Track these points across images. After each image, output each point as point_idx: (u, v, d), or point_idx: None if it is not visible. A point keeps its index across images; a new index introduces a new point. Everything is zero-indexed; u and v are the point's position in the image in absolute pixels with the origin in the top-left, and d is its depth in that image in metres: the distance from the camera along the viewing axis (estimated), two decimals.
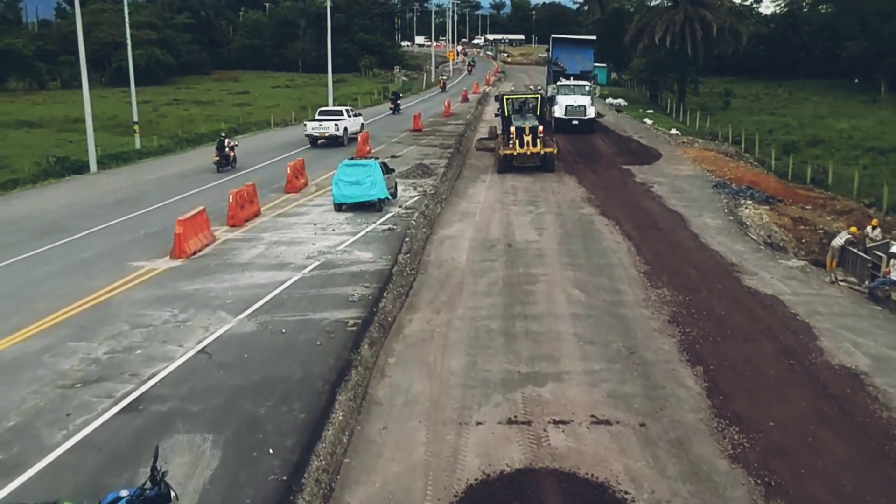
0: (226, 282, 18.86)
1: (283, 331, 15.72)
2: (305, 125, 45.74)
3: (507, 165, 35.61)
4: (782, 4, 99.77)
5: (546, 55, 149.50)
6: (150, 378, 13.49)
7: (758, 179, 35.41)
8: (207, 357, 14.47)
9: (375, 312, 16.93)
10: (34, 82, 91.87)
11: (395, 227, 24.39)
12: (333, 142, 43.98)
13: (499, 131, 40.38)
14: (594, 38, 59.06)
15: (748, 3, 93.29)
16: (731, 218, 27.43)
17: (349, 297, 17.79)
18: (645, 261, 21.72)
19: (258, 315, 16.61)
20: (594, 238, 24.24)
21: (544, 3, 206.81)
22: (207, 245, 21.91)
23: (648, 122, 57.70)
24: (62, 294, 17.84)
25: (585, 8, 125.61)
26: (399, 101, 66.70)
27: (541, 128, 35.92)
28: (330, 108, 51.79)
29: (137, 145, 44.38)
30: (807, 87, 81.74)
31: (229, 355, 14.53)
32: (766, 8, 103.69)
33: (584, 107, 47.27)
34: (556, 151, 36.32)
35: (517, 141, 35.16)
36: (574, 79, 50.99)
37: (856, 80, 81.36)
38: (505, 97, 39.57)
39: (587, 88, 48.74)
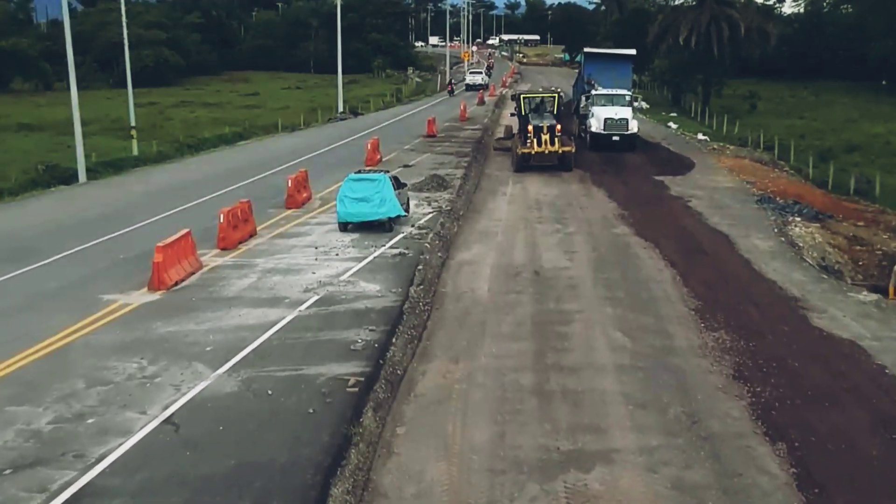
0: (208, 322, 16.13)
1: (270, 392, 12.97)
2: (465, 77, 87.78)
3: (525, 164, 35.16)
4: (803, 5, 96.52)
5: (562, 55, 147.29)
6: (97, 462, 10.78)
7: (802, 192, 32.41)
8: (174, 430, 11.74)
9: (382, 365, 14.17)
10: (40, 83, 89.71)
11: (406, 251, 21.59)
12: (480, 87, 79.18)
13: (515, 130, 39.66)
14: (633, 52, 50.52)
15: (770, 2, 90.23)
16: (783, 239, 24.49)
17: (351, 344, 15.02)
18: (694, 294, 18.84)
19: (241, 369, 13.87)
20: (632, 264, 21.38)
21: (560, 4, 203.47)
22: (192, 273, 19.20)
23: (673, 126, 54.84)
24: (13, 338, 15.16)
25: (603, 8, 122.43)
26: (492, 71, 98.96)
27: (558, 126, 35.31)
28: (475, 70, 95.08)
29: (135, 151, 41.84)
30: (833, 89, 78.47)
31: (201, 428, 11.80)
32: (788, 8, 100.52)
33: (626, 120, 40.19)
34: (573, 150, 35.57)
35: (535, 140, 34.69)
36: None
37: (883, 82, 78.07)
38: (522, 96, 38.98)
39: (627, 98, 41.76)
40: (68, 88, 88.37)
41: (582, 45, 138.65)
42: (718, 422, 12.63)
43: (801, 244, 24.45)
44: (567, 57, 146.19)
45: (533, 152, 34.71)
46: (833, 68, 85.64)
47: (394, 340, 15.28)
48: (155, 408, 12.38)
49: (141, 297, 17.73)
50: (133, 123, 42.77)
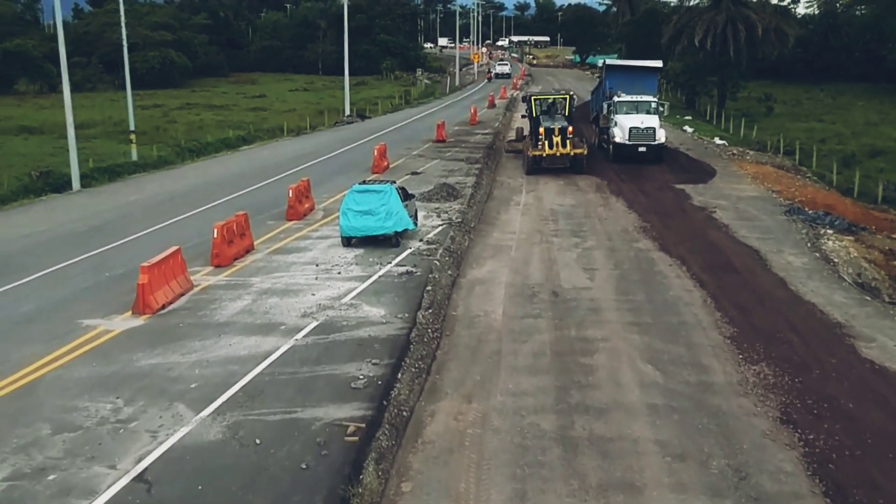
0: (194, 353, 14.61)
1: (258, 441, 11.43)
2: (495, 66, 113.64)
3: (536, 167, 34.80)
4: (816, 5, 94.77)
5: (572, 57, 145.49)
6: None
7: (832, 201, 30.71)
8: (145, 489, 10.23)
9: (386, 407, 12.62)
10: (45, 85, 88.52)
11: (414, 268, 20.02)
12: (507, 77, 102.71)
13: (526, 132, 38.99)
14: (659, 64, 45.91)
15: (784, 3, 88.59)
16: (817, 254, 22.85)
17: (352, 380, 13.47)
18: (728, 319, 17.24)
19: (227, 411, 12.33)
20: (658, 284, 19.76)
21: (570, 5, 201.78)
22: (182, 295, 17.68)
23: (689, 129, 53.24)
24: None
25: (614, 9, 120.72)
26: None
27: (570, 128, 34.82)
28: (502, 62, 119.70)
29: (134, 157, 40.36)
30: (849, 91, 76.65)
31: (177, 487, 10.28)
32: (802, 8, 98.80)
33: (654, 129, 36.54)
34: (585, 152, 34.96)
35: (546, 142, 34.37)
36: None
37: None
38: (533, 97, 38.34)
39: (653, 105, 37.79)
40: (73, 90, 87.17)
41: (592, 46, 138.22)
42: (769, 478, 11.04)
43: (836, 259, 22.83)
44: (577, 58, 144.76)
45: (544, 154, 34.32)
46: (849, 70, 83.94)
47: (399, 376, 13.72)
48: (126, 461, 10.86)
49: (124, 322, 16.23)
50: (132, 128, 41.30)
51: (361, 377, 13.57)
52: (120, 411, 12.33)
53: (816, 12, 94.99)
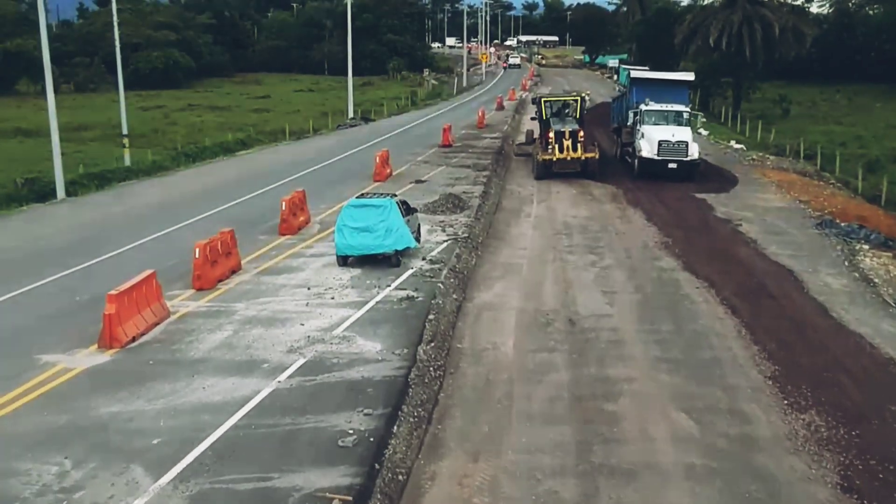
0: (161, 398, 12.78)
1: None
2: (507, 59, 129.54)
3: (546, 172, 33.60)
4: (828, 5, 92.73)
5: (582, 57, 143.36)
6: None
7: (865, 213, 28.75)
8: None
9: (379, 471, 10.77)
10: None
11: (415, 293, 18.12)
12: (517, 67, 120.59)
13: (536, 135, 37.52)
14: (691, 76, 40.96)
15: (799, 2, 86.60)
16: (856, 274, 20.93)
17: (340, 436, 11.59)
18: (767, 354, 15.34)
19: (192, 477, 10.49)
20: (686, 311, 17.86)
21: (579, 4, 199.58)
22: (156, 324, 15.86)
23: (704, 132, 51.27)
24: None
25: (624, 9, 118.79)
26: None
27: (581, 131, 33.54)
28: (513, 57, 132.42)
29: (127, 162, 38.67)
30: (866, 92, 74.49)
31: None
32: (815, 8, 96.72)
33: (686, 143, 32.47)
34: (597, 156, 33.40)
35: (556, 146, 33.19)
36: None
37: None
38: (543, 99, 37.22)
39: (686, 116, 33.82)
40: (75, 91, 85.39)
41: (602, 46, 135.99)
42: None
43: (876, 280, 20.90)
44: (587, 58, 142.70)
45: (555, 159, 33.15)
46: (865, 70, 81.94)
47: (395, 429, 11.86)
48: None
49: (88, 357, 14.40)
50: (125, 131, 39.65)
51: (351, 432, 11.69)
52: (66, 476, 10.51)
53: (828, 11, 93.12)
